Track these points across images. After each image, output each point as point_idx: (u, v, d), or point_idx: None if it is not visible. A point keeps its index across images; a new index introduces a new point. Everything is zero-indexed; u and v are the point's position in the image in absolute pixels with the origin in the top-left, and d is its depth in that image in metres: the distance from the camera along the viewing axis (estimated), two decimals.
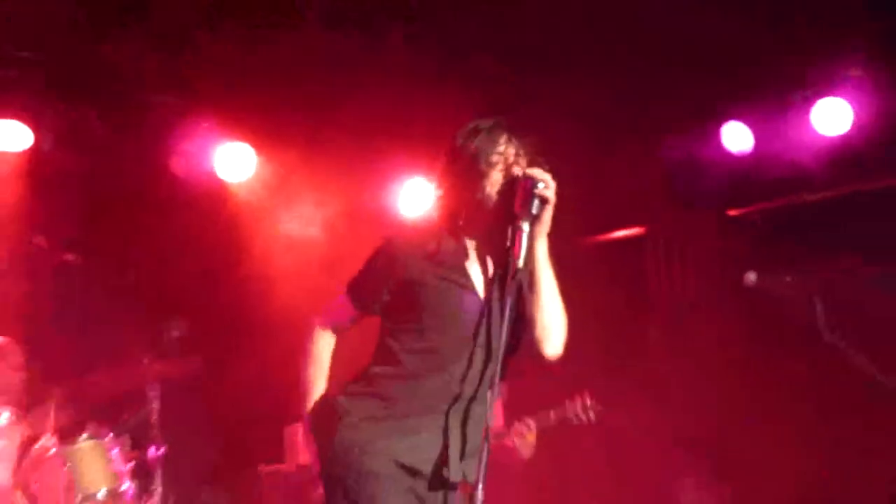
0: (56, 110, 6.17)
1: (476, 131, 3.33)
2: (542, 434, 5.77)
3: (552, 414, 5.69)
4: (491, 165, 3.27)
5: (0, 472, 5.49)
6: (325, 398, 3.40)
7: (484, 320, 3.25)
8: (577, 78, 5.97)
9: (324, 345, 3.51)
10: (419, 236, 3.45)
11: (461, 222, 3.36)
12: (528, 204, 3.14)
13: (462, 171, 3.33)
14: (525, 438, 5.71)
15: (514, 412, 5.81)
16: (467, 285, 3.28)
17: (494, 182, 3.26)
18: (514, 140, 3.31)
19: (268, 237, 6.70)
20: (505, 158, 3.28)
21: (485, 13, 5.70)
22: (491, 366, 3.19)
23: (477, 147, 3.33)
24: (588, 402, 5.60)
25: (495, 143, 3.34)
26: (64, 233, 6.13)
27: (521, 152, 3.30)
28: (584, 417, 5.60)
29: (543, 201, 3.11)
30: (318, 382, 3.47)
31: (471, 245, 3.35)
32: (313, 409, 3.41)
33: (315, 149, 6.47)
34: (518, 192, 3.19)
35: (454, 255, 3.35)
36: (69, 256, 6.00)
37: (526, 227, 3.13)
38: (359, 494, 3.20)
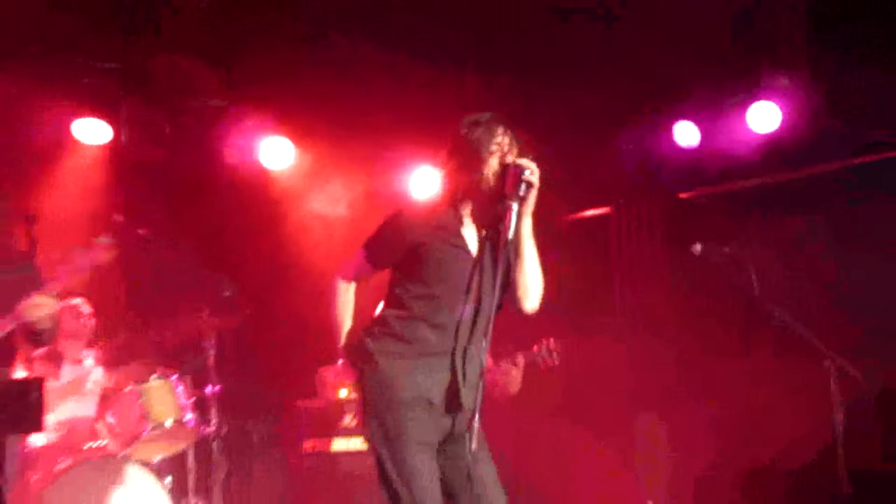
0: (130, 110, 6.41)
1: (477, 123, 3.62)
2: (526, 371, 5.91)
3: (520, 357, 5.83)
4: (490, 153, 3.56)
5: (87, 406, 5.80)
6: (356, 339, 3.70)
7: (476, 276, 3.57)
8: (564, 86, 6.18)
9: (346, 293, 3.79)
10: (425, 208, 3.84)
11: (460, 197, 3.67)
12: (517, 187, 3.43)
13: (464, 157, 3.62)
14: (511, 375, 5.83)
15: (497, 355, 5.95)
16: (462, 246, 3.61)
17: (491, 167, 3.55)
18: (507, 132, 3.61)
19: (302, 215, 6.97)
20: (500, 148, 3.57)
21: (473, 24, 5.79)
22: (482, 317, 3.54)
23: (478, 138, 3.60)
24: (552, 345, 5.76)
25: (493, 134, 3.59)
26: (138, 210, 6.19)
27: (513, 142, 3.59)
28: (548, 359, 5.75)
29: (529, 185, 3.42)
30: (346, 321, 3.76)
31: (466, 215, 3.65)
32: (348, 349, 3.71)
33: (342, 142, 6.72)
34: (508, 177, 3.47)
35: (452, 222, 3.65)
36: (142, 231, 6.02)
37: (515, 206, 3.45)
38: (387, 418, 3.51)
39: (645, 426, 6.79)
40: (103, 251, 4.03)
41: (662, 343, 6.65)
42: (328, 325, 3.79)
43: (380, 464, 3.51)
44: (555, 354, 5.76)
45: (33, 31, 5.70)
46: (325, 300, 3.85)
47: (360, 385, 3.61)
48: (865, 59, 5.66)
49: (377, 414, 3.55)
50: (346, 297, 3.82)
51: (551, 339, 5.76)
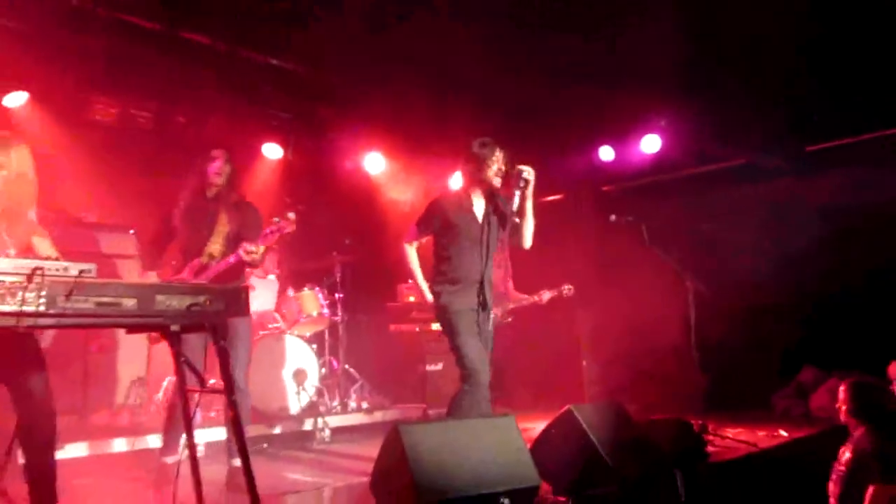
0: (291, 134, 6.67)
1: (482, 144, 3.93)
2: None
3: (546, 292, 5.74)
4: (491, 162, 3.90)
5: (266, 302, 6.30)
6: (429, 282, 4.01)
7: (485, 234, 3.90)
8: (537, 123, 6.30)
9: (412, 251, 4.09)
10: (452, 196, 4.15)
11: (472, 188, 3.99)
12: (520, 181, 3.78)
13: (475, 164, 3.93)
14: (541, 298, 5.73)
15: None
16: (473, 216, 3.96)
17: (491, 170, 3.91)
18: (500, 149, 3.94)
19: (388, 201, 7.36)
20: (496, 159, 3.91)
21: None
22: (491, 257, 3.93)
23: (483, 152, 3.91)
24: (567, 286, 5.74)
25: (493, 150, 3.91)
26: (297, 197, 6.22)
27: (503, 155, 3.93)
28: (567, 293, 5.72)
29: (527, 181, 3.81)
30: (418, 269, 4.08)
31: (476, 198, 3.99)
32: (429, 286, 4.01)
33: (413, 156, 7.08)
34: (515, 175, 3.79)
35: (467, 203, 3.97)
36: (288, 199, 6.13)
37: (518, 192, 3.79)
38: (450, 320, 3.89)
39: (584, 323, 6.89)
40: (291, 223, 3.98)
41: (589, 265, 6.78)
42: (407, 269, 4.10)
43: (450, 341, 3.89)
44: (569, 287, 5.74)
45: (250, 98, 6.01)
46: (404, 257, 4.08)
47: (435, 305, 3.96)
48: (705, 108, 5.99)
49: (445, 319, 3.93)
50: (413, 254, 4.09)
51: (567, 284, 5.74)
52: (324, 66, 5.93)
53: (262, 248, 4.03)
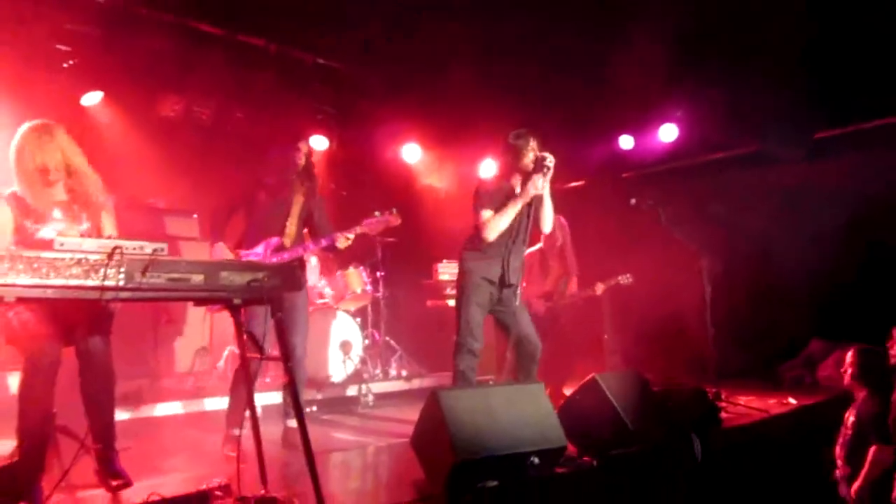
0: (336, 127, 6.76)
1: (518, 135, 3.94)
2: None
3: (601, 285, 5.55)
4: (526, 151, 3.90)
5: (312, 278, 6.02)
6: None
7: (518, 218, 3.91)
8: (564, 117, 6.17)
9: (488, 213, 3.89)
10: (492, 181, 4.16)
11: (511, 176, 4.01)
12: (542, 167, 3.80)
13: (512, 154, 3.95)
14: (595, 290, 5.53)
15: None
16: (512, 199, 3.96)
17: (527, 159, 3.91)
18: (534, 139, 3.94)
19: (424, 187, 7.48)
20: (531, 148, 3.91)
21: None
22: (520, 235, 3.91)
23: (519, 143, 3.92)
24: (626, 274, 5.59)
25: (528, 140, 3.92)
26: (341, 183, 6.62)
27: (537, 144, 3.93)
28: (626, 281, 5.58)
29: (548, 168, 3.81)
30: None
31: (515, 184, 4.00)
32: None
33: (448, 146, 7.10)
34: (538, 162, 3.82)
35: (509, 189, 4.01)
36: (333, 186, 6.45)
37: (541, 177, 3.81)
38: (466, 288, 3.95)
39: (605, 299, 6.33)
40: (397, 217, 4.02)
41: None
42: (502, 222, 3.86)
43: (457, 305, 3.97)
44: (627, 277, 5.61)
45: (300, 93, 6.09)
46: (486, 222, 3.87)
47: (459, 269, 4.02)
48: (719, 97, 5.85)
49: (461, 283, 4.00)
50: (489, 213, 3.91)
51: (626, 273, 5.62)
52: (365, 63, 5.90)
53: (351, 237, 4.05)
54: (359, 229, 4.05)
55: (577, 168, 6.79)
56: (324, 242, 4.04)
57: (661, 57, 5.17)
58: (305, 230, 4.20)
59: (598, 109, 6.45)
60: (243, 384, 3.62)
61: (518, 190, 3.97)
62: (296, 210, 4.07)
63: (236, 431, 3.72)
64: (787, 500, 3.97)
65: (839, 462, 3.73)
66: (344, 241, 3.99)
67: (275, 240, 4.04)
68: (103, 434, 2.88)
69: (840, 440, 3.76)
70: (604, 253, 6.35)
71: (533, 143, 3.92)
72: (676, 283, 5.76)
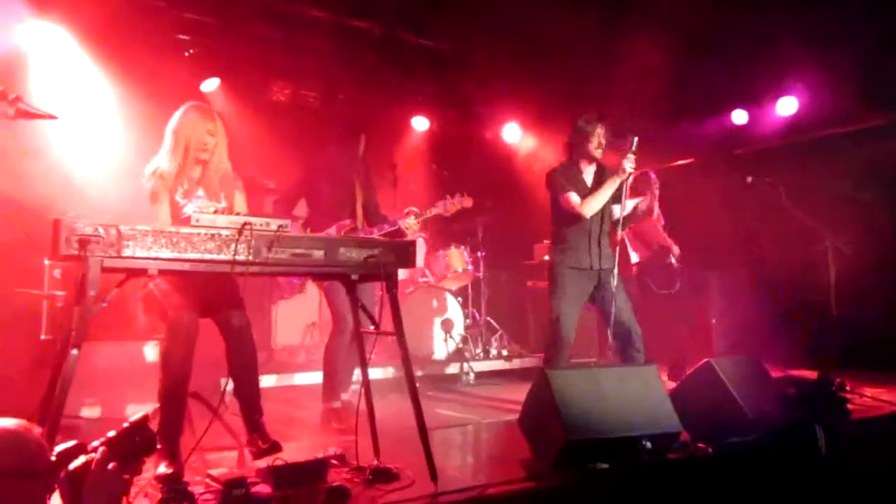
0: (438, 108, 6.84)
1: (587, 120, 3.96)
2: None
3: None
4: (593, 136, 3.94)
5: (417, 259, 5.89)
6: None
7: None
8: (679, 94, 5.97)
9: (575, 196, 3.92)
10: (562, 167, 4.12)
11: (577, 159, 4.06)
12: (632, 146, 3.84)
13: (580, 139, 3.99)
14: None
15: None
16: (585, 184, 4.02)
17: (593, 144, 3.95)
18: (603, 124, 3.95)
19: (524, 167, 7.15)
20: (599, 134, 3.95)
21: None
22: (604, 222, 3.93)
23: (586, 128, 3.96)
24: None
25: (595, 125, 3.94)
26: (441, 164, 6.66)
27: (606, 130, 3.93)
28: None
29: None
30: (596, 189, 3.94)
31: (585, 169, 4.05)
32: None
33: (544, 129, 6.93)
34: (627, 143, 3.83)
35: (576, 172, 4.06)
36: (434, 166, 6.64)
37: (630, 156, 3.85)
38: (556, 279, 3.98)
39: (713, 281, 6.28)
40: (470, 200, 4.25)
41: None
42: (596, 200, 3.88)
43: (549, 297, 3.98)
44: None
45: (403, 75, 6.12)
46: (573, 205, 3.90)
47: (549, 261, 4.09)
48: (843, 68, 5.36)
49: (551, 275, 4.04)
50: (576, 197, 3.96)
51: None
52: (468, 44, 5.88)
53: (415, 222, 4.16)
54: (433, 210, 4.21)
55: (684, 145, 6.56)
56: (387, 227, 4.15)
57: (779, 27, 4.95)
58: None
59: (711, 84, 6.11)
60: (338, 358, 3.88)
61: (585, 174, 4.00)
62: (360, 197, 4.20)
63: (336, 404, 3.86)
64: None
65: None
66: (414, 224, 4.11)
67: (347, 222, 4.15)
68: (255, 402, 2.99)
69: None
70: (712, 233, 6.10)
71: (600, 130, 3.92)
72: (797, 263, 5.60)
